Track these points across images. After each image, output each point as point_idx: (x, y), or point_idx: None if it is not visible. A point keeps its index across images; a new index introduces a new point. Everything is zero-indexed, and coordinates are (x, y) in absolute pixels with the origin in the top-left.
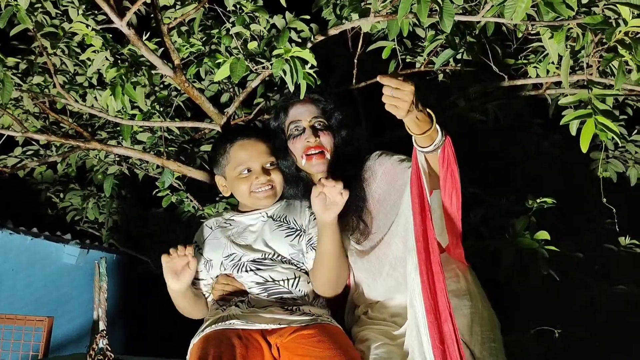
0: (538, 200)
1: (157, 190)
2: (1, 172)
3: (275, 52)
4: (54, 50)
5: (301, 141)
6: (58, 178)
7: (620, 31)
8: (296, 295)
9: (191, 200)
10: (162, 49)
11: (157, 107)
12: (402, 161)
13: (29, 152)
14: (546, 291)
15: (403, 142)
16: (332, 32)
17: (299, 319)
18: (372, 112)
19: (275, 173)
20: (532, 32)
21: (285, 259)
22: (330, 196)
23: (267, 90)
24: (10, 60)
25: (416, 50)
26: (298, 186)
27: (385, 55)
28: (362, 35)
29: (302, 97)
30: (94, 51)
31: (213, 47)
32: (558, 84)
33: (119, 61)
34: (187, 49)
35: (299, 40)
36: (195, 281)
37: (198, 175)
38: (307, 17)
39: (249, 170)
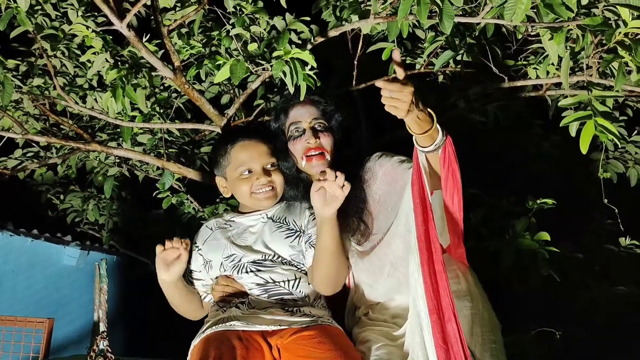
0: (538, 201)
1: (157, 191)
2: (1, 174)
3: (275, 54)
4: (54, 52)
5: (301, 142)
6: (58, 180)
7: (620, 32)
8: (296, 297)
9: (191, 202)
10: (163, 50)
11: (158, 108)
12: (402, 162)
13: (29, 154)
14: (546, 292)
15: (403, 143)
16: (332, 33)
17: (300, 320)
18: (372, 113)
19: (276, 174)
20: (532, 33)
21: (285, 260)
22: (331, 190)
23: (267, 92)
24: (11, 62)
25: (416, 51)
26: (298, 187)
27: (385, 56)
28: (362, 36)
29: (302, 98)
30: (94, 53)
31: (213, 48)
32: (558, 85)
33: (119, 63)
34: (187, 50)
35: (299, 42)
36: (192, 280)
37: (198, 176)
38: (307, 18)
39: (249, 171)
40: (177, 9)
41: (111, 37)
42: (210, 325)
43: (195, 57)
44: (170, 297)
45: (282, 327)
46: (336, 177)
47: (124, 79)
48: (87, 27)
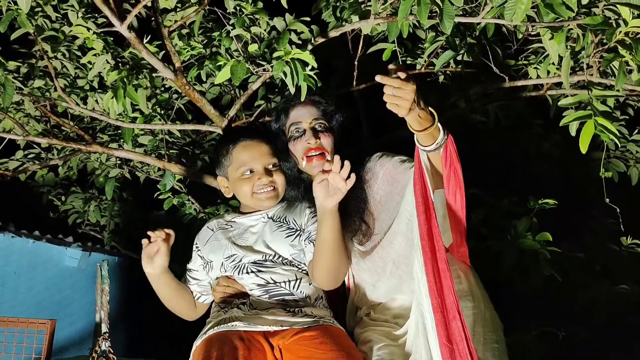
0: (540, 202)
1: (158, 192)
2: (3, 176)
3: (275, 54)
4: (55, 54)
5: (302, 143)
6: (59, 181)
7: (620, 31)
8: (298, 297)
9: (192, 203)
10: (163, 51)
11: (158, 110)
12: (403, 162)
13: (31, 156)
14: (547, 291)
15: (403, 143)
16: (333, 34)
17: (301, 321)
18: (372, 113)
19: (277, 174)
20: (532, 33)
21: (286, 260)
22: (334, 183)
23: (268, 93)
24: (11, 64)
25: (416, 52)
26: (299, 188)
27: (385, 57)
28: (362, 37)
29: (302, 99)
30: (95, 54)
31: (214, 49)
32: (559, 85)
33: (120, 64)
34: (187, 51)
35: (299, 42)
36: (189, 279)
37: (199, 177)
38: (307, 19)
39: (251, 171)
40: (178, 10)
41: (112, 39)
42: (212, 326)
43: (195, 58)
44: (158, 291)
45: (284, 328)
46: (341, 167)
47: (125, 79)
48: (88, 29)
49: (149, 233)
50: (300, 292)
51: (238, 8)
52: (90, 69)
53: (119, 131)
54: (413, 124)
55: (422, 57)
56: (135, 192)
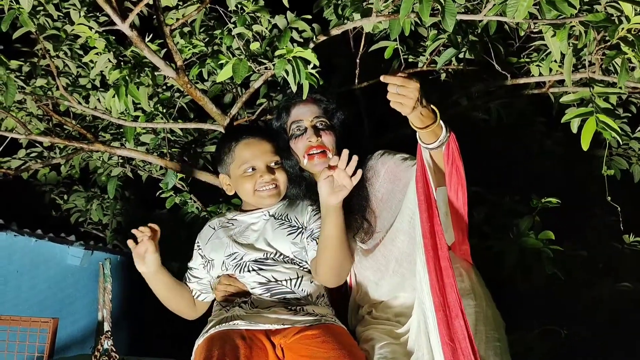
0: (543, 200)
1: (160, 191)
2: (5, 174)
3: (277, 53)
4: (57, 53)
5: (303, 141)
6: (62, 180)
7: (622, 28)
8: (299, 295)
9: (195, 201)
10: (165, 50)
11: (160, 108)
12: (405, 160)
13: (33, 154)
14: (549, 290)
15: (405, 141)
16: (334, 32)
17: (303, 319)
18: (374, 112)
19: (279, 172)
20: (534, 30)
21: (287, 259)
22: (339, 179)
23: (269, 91)
24: (14, 63)
25: (418, 49)
26: (301, 186)
27: (387, 55)
28: (364, 35)
29: (304, 97)
30: (97, 53)
31: (215, 47)
32: (561, 82)
33: (122, 63)
34: (189, 50)
35: (301, 40)
36: (189, 277)
37: (201, 176)
38: (309, 17)
39: (253, 169)
40: (179, 8)
41: (114, 37)
42: (214, 325)
43: (197, 57)
44: (155, 290)
45: (286, 326)
46: (347, 163)
47: (126, 78)
48: (90, 28)
49: (133, 232)
50: (302, 290)
51: (239, 6)
52: (92, 67)
53: (121, 130)
54: (415, 122)
55: (424, 55)
56: (137, 190)
